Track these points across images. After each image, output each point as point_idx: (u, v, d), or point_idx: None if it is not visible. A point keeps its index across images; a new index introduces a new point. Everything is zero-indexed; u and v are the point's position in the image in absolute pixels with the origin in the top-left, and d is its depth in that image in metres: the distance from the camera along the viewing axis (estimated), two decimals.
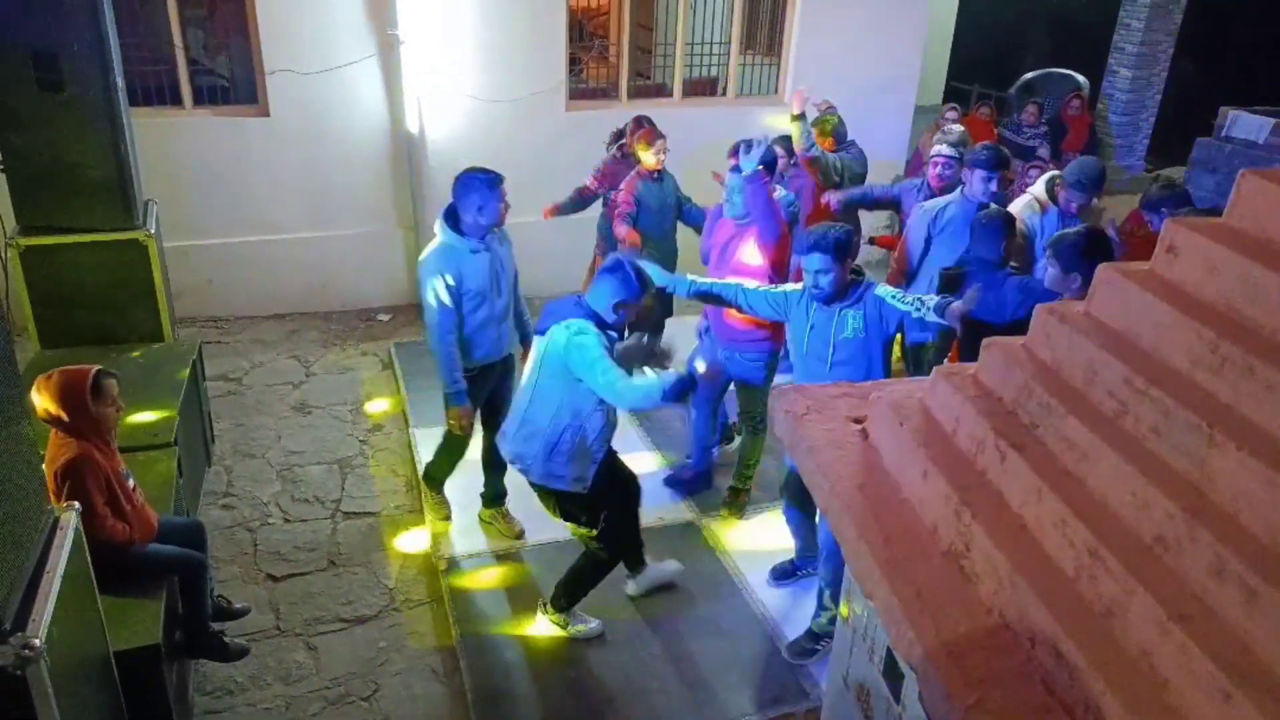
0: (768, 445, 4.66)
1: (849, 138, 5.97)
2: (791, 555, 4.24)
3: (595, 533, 3.64)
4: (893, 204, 5.49)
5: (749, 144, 4.06)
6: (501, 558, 4.33)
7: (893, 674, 2.05)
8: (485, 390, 4.19)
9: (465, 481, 4.76)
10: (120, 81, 4.39)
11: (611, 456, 3.65)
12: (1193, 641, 1.32)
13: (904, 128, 8.13)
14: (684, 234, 5.51)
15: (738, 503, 4.71)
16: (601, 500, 3.58)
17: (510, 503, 4.48)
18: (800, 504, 3.95)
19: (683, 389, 3.22)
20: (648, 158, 5.30)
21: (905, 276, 4.80)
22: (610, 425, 3.51)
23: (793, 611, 4.04)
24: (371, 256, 6.98)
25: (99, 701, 2.57)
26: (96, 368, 3.11)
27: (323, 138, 6.53)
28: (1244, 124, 8.79)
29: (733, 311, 4.11)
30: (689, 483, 4.88)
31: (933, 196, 4.94)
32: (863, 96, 7.15)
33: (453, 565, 4.26)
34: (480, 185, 3.81)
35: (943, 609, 1.68)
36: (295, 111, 6.40)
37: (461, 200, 3.82)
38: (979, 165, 4.52)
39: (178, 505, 3.76)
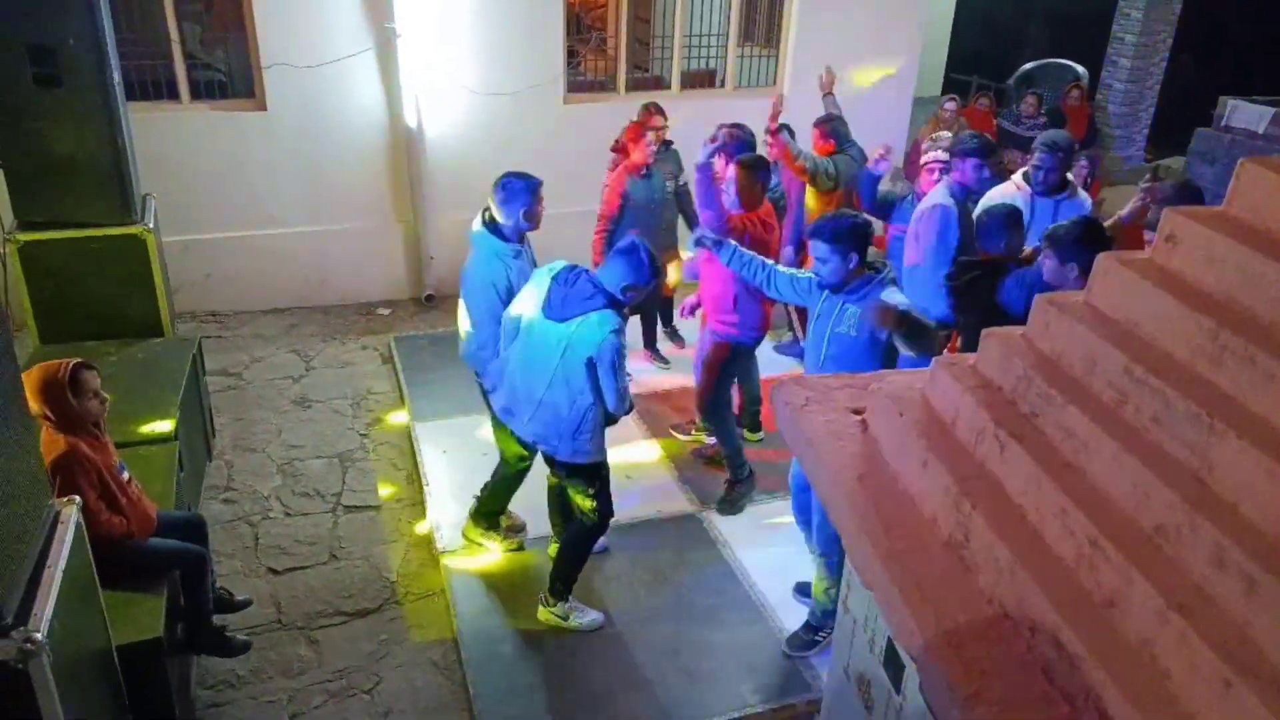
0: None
1: (850, 138, 5.95)
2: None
3: (594, 498, 3.70)
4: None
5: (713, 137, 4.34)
6: (502, 550, 4.33)
7: (893, 664, 2.06)
8: None
9: (466, 479, 4.76)
10: (117, 76, 4.38)
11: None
12: (1193, 631, 1.32)
13: (903, 119, 8.12)
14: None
15: (734, 496, 4.70)
16: (606, 468, 3.73)
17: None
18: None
19: (571, 471, 3.66)
20: (635, 155, 5.34)
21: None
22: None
23: (793, 603, 4.05)
24: (370, 250, 6.98)
25: (101, 695, 2.57)
26: (74, 361, 3.07)
27: (320, 132, 6.51)
28: (1243, 113, 8.78)
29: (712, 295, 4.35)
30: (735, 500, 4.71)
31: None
32: (861, 88, 7.14)
33: (453, 557, 4.26)
34: (525, 191, 3.85)
35: (943, 599, 1.69)
36: (293, 106, 6.39)
37: (506, 205, 3.85)
38: (973, 154, 4.51)
39: (179, 500, 3.76)
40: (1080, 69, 10.54)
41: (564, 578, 3.85)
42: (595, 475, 3.71)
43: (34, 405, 2.94)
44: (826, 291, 3.57)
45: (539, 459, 3.92)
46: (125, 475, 3.20)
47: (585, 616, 3.86)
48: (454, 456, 5.02)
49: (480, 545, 4.28)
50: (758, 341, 4.66)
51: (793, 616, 3.95)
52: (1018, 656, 1.55)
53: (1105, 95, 9.99)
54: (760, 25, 7.80)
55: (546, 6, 6.67)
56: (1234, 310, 1.63)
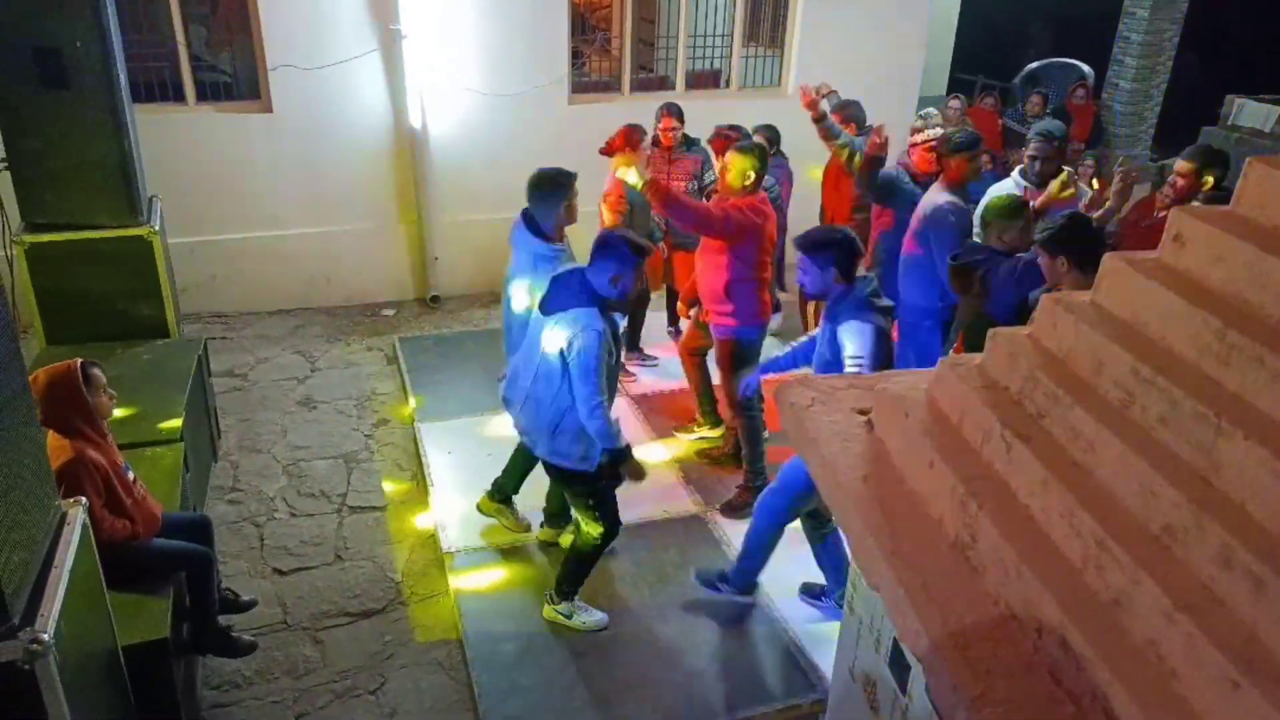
0: None
1: (866, 123, 5.98)
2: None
3: (592, 511, 3.68)
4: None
5: None
6: (507, 551, 4.33)
7: (899, 665, 2.05)
8: None
9: (470, 479, 4.77)
10: (123, 78, 4.40)
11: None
12: (1200, 631, 1.32)
13: (907, 119, 8.09)
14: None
15: (739, 504, 4.66)
16: (603, 484, 3.65)
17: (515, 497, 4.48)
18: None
19: (617, 456, 3.51)
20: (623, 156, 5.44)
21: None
22: (610, 403, 3.54)
23: (799, 603, 4.04)
24: (375, 251, 6.99)
25: (107, 696, 2.58)
26: (79, 359, 3.09)
27: (325, 133, 6.53)
28: (1250, 112, 8.75)
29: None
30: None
31: (915, 184, 4.91)
32: (866, 88, 7.10)
33: (458, 559, 4.27)
34: (561, 187, 3.90)
35: (949, 600, 1.68)
36: (298, 107, 6.40)
37: (544, 202, 3.89)
38: (964, 149, 4.51)
39: (184, 500, 3.77)
40: (1086, 68, 10.52)
41: (570, 580, 3.85)
42: (587, 487, 3.63)
43: (43, 409, 2.94)
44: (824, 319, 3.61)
45: None
46: (131, 475, 3.20)
47: (590, 616, 3.86)
48: (459, 457, 5.02)
49: (492, 517, 4.39)
50: (760, 331, 4.63)
51: (798, 616, 3.95)
52: (1024, 657, 1.55)
53: (1111, 94, 9.96)
54: (765, 25, 7.80)
55: (551, 7, 6.68)
56: (1242, 309, 1.63)
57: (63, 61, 4.17)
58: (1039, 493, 1.70)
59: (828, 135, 5.40)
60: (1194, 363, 1.63)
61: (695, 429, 5.26)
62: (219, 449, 5.05)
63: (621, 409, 4.86)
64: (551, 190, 3.89)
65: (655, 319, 6.37)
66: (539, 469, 3.95)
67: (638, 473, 3.64)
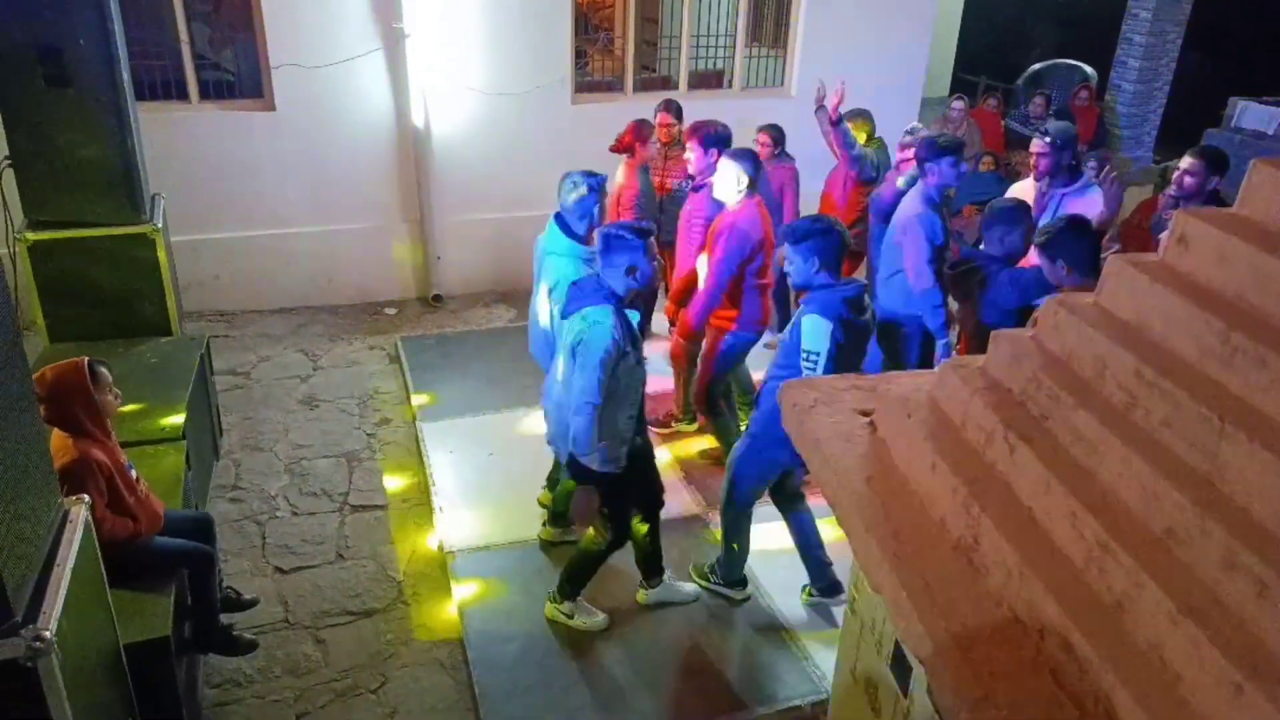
0: None
1: (876, 134, 6.02)
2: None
3: (604, 517, 3.68)
4: None
5: None
6: (508, 551, 4.33)
7: (901, 667, 2.05)
8: None
9: (472, 478, 4.77)
10: (126, 76, 4.40)
11: (647, 452, 3.75)
12: (1203, 634, 1.31)
13: (910, 120, 8.09)
14: None
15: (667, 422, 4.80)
16: (627, 487, 3.64)
17: (512, 499, 4.48)
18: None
19: (576, 469, 3.53)
20: (640, 152, 5.61)
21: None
22: (635, 404, 3.53)
23: (800, 604, 4.04)
24: (377, 250, 6.99)
25: (109, 694, 2.58)
26: (87, 357, 3.09)
27: (328, 132, 6.53)
28: (1253, 114, 8.75)
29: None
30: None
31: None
32: (869, 88, 7.11)
33: (460, 558, 4.27)
34: (595, 189, 3.90)
35: (951, 602, 1.68)
36: (301, 106, 6.40)
37: (580, 203, 3.88)
38: (946, 153, 4.50)
39: (186, 499, 3.77)
40: (1089, 69, 10.51)
41: (573, 580, 3.85)
42: (617, 492, 3.63)
43: (50, 406, 2.94)
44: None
45: None
46: (134, 473, 3.20)
47: (591, 617, 3.87)
48: (460, 456, 5.02)
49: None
50: (757, 336, 4.66)
51: (799, 617, 3.95)
52: (1027, 660, 1.55)
53: (1114, 96, 9.95)
54: (768, 25, 7.79)
55: (554, 7, 6.68)
56: (1245, 311, 1.62)
57: (66, 60, 4.17)
58: (1042, 495, 1.70)
59: (841, 139, 5.44)
60: (1197, 365, 1.63)
61: (673, 424, 5.28)
62: (221, 447, 5.05)
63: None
64: (588, 191, 3.90)
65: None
66: (537, 473, 3.97)
67: (580, 509, 3.74)
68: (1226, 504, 1.44)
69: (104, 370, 3.14)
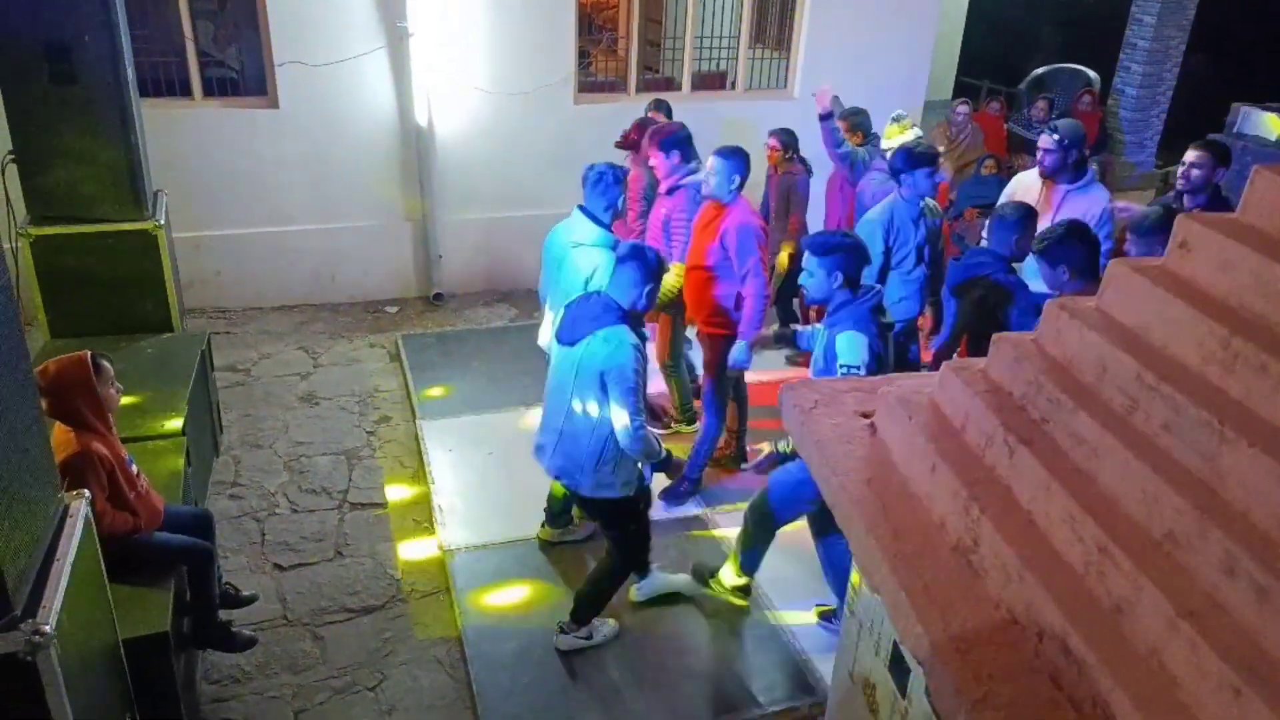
0: None
1: (872, 131, 6.01)
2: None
3: (630, 536, 3.66)
4: None
5: None
6: (507, 550, 4.33)
7: (899, 668, 2.05)
8: None
9: (471, 477, 4.77)
10: (131, 73, 4.40)
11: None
12: (1202, 638, 1.31)
13: (915, 122, 8.09)
14: None
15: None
16: (642, 503, 3.62)
17: (511, 498, 4.48)
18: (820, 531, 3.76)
19: (663, 467, 3.53)
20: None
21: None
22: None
23: (802, 602, 4.04)
24: (379, 249, 6.99)
25: (107, 689, 2.58)
26: (89, 351, 3.10)
27: (331, 130, 6.53)
28: (1256, 120, 8.75)
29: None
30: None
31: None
32: (872, 91, 7.12)
33: (459, 556, 4.27)
34: (617, 182, 3.95)
35: (950, 603, 1.68)
36: (304, 103, 6.41)
37: (605, 195, 3.92)
38: (922, 164, 4.51)
39: (186, 495, 3.77)
40: (1092, 74, 10.51)
41: (592, 606, 3.74)
42: (630, 513, 3.58)
43: (53, 400, 2.94)
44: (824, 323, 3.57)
45: None
46: (134, 469, 3.21)
47: (604, 629, 3.81)
48: (460, 455, 5.02)
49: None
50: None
51: (800, 617, 3.95)
52: (1025, 662, 1.55)
53: (1117, 100, 9.94)
54: (772, 27, 7.80)
55: (558, 7, 6.68)
56: (1246, 317, 1.63)
57: (71, 56, 4.18)
58: (1041, 498, 1.70)
59: (830, 138, 5.46)
60: (1198, 370, 1.63)
61: (672, 425, 5.28)
62: (221, 444, 5.06)
63: None
64: (614, 182, 3.93)
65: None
66: (536, 472, 3.94)
67: (680, 466, 3.69)
68: (1226, 508, 1.44)
69: (106, 364, 3.15)
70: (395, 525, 4.54)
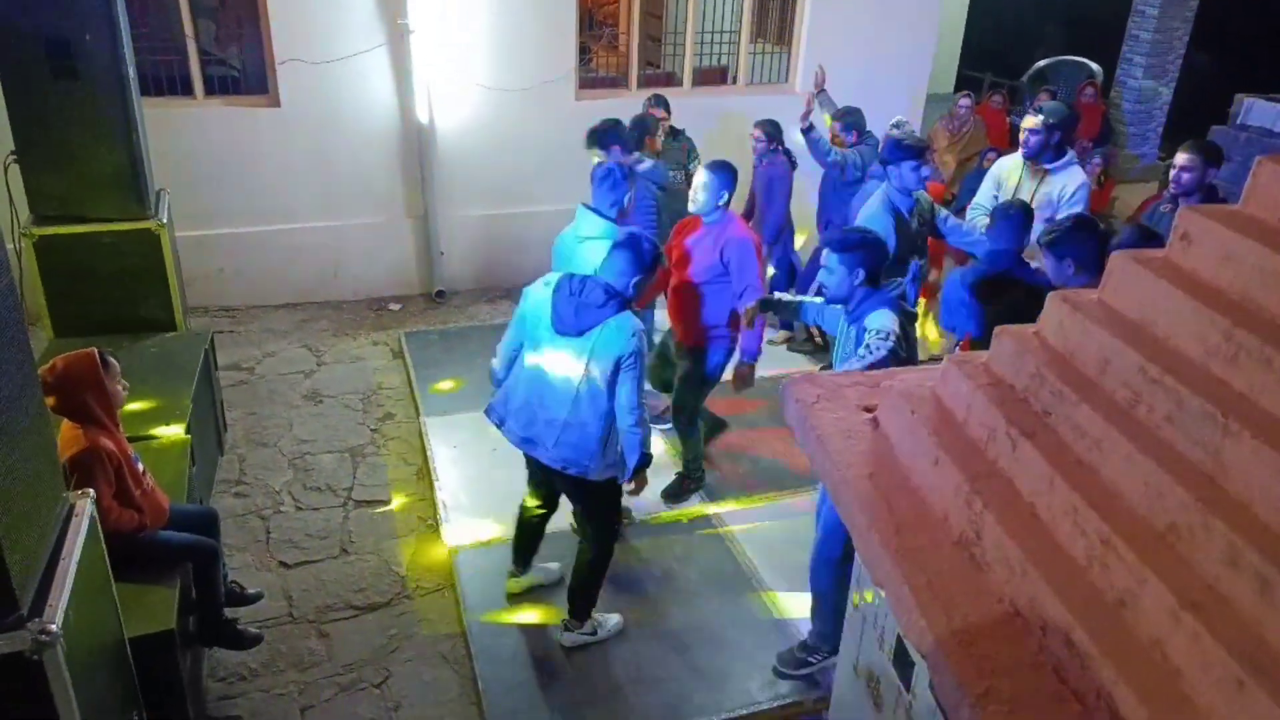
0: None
1: (867, 129, 6.01)
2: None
3: (610, 522, 3.66)
4: None
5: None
6: (511, 546, 4.33)
7: (903, 662, 2.05)
8: None
9: (475, 474, 4.78)
10: (132, 71, 4.40)
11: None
12: (1205, 630, 1.32)
13: (915, 117, 8.09)
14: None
15: (684, 490, 4.69)
16: (615, 489, 3.61)
17: (515, 494, 4.47)
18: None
19: (642, 463, 3.42)
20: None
21: None
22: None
23: (803, 600, 4.04)
24: (382, 246, 7.00)
25: (114, 687, 2.59)
26: (96, 348, 3.11)
27: (333, 127, 6.53)
28: (1259, 111, 8.72)
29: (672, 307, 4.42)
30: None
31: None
32: (874, 85, 7.11)
33: (463, 553, 4.28)
34: (624, 180, 3.96)
35: (954, 597, 1.68)
36: (306, 101, 6.41)
37: (614, 192, 3.91)
38: (910, 155, 4.47)
39: (191, 493, 3.78)
40: (1095, 66, 10.48)
41: (587, 598, 3.74)
42: (617, 494, 3.59)
43: (61, 396, 2.95)
44: (842, 314, 3.49)
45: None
46: (140, 466, 3.22)
47: (609, 623, 3.82)
48: (464, 452, 5.03)
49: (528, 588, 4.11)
50: (735, 347, 4.53)
51: (802, 613, 3.95)
52: (1029, 655, 1.55)
53: (1120, 93, 9.92)
54: (772, 22, 7.79)
55: (559, 3, 6.67)
56: (1249, 309, 1.62)
57: (72, 54, 4.18)
58: (1044, 491, 1.70)
59: (815, 151, 5.50)
60: (1201, 362, 1.63)
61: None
62: (225, 442, 5.07)
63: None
64: (621, 179, 3.93)
65: None
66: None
67: (642, 487, 3.59)
68: (1229, 500, 1.44)
69: (114, 360, 3.17)
70: (400, 522, 4.55)
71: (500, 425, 3.58)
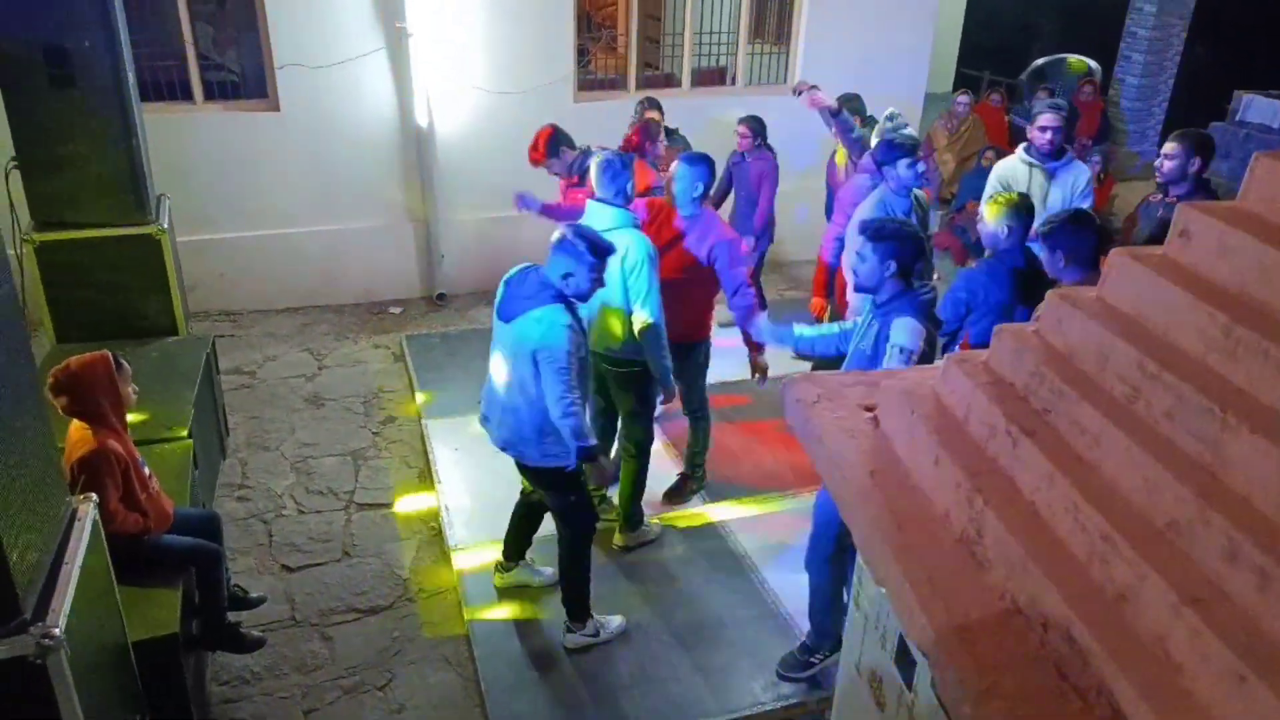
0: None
1: (868, 113, 6.04)
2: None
3: (572, 508, 3.65)
4: None
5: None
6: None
7: (905, 660, 2.05)
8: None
9: (477, 476, 4.78)
10: (131, 77, 4.42)
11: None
12: (1206, 625, 1.31)
13: (914, 115, 8.08)
14: None
15: (684, 490, 4.69)
16: (581, 476, 3.60)
17: (517, 496, 4.47)
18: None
19: (586, 454, 3.37)
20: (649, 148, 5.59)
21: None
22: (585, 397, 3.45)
23: (804, 598, 4.04)
24: (382, 249, 7.01)
25: (117, 690, 2.60)
26: (106, 351, 3.13)
27: (332, 131, 6.54)
28: (1258, 108, 8.72)
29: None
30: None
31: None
32: (872, 84, 7.11)
33: (466, 555, 4.28)
34: (626, 167, 3.92)
35: (955, 595, 1.68)
36: (305, 106, 6.42)
37: (615, 182, 3.89)
38: (903, 154, 4.48)
39: (193, 497, 3.79)
40: (1093, 64, 10.49)
41: (580, 598, 3.75)
42: (574, 482, 3.58)
43: (74, 397, 2.96)
44: (868, 311, 3.43)
45: None
46: (146, 470, 3.23)
47: (612, 624, 3.82)
48: (466, 454, 5.03)
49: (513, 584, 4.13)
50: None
51: (805, 613, 3.95)
52: (1030, 652, 1.55)
53: (1118, 90, 9.92)
54: (771, 22, 7.79)
55: (557, 5, 6.68)
56: (1248, 304, 1.62)
57: (71, 61, 4.19)
58: (1044, 488, 1.70)
59: (841, 129, 5.49)
60: (1200, 357, 1.63)
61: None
62: (227, 446, 5.07)
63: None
64: (622, 168, 3.91)
65: None
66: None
67: (603, 475, 3.56)
68: (1229, 495, 1.44)
69: (125, 364, 3.19)
70: (402, 525, 4.56)
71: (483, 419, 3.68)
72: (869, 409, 2.29)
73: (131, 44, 4.47)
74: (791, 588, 4.10)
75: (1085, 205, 4.47)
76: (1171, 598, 1.37)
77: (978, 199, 7.90)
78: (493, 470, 4.49)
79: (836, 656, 3.42)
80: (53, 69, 4.19)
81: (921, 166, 4.57)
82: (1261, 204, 1.74)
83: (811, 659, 3.66)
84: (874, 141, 5.09)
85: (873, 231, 3.31)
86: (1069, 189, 4.61)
